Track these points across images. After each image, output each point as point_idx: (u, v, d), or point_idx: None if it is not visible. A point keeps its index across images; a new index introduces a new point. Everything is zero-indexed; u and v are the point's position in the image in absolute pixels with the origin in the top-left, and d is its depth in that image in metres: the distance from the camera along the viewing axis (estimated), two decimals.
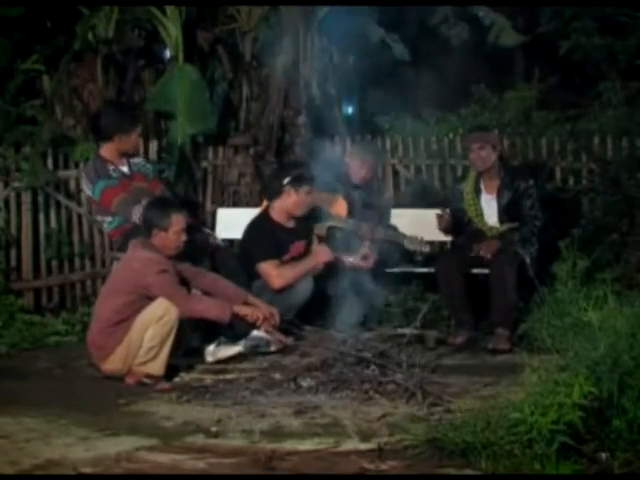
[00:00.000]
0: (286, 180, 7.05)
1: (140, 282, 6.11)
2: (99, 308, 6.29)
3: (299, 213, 7.13)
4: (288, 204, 7.08)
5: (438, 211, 7.39)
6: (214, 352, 6.53)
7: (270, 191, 7.20)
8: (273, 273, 6.91)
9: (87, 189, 7.13)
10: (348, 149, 8.14)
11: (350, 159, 7.85)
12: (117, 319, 6.10)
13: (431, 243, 8.05)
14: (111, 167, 7.05)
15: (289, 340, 6.64)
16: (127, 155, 7.20)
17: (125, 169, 7.11)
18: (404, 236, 7.61)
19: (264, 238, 7.02)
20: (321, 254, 7.07)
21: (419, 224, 7.89)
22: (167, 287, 6.12)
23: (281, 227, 7.11)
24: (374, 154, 8.13)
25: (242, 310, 6.32)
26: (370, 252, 7.30)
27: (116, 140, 7.08)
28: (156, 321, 6.03)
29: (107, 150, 7.13)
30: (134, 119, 7.27)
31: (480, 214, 7.35)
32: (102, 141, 7.19)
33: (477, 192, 7.38)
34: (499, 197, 7.31)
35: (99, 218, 7.23)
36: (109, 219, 7.02)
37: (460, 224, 7.47)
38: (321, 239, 7.46)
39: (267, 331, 6.45)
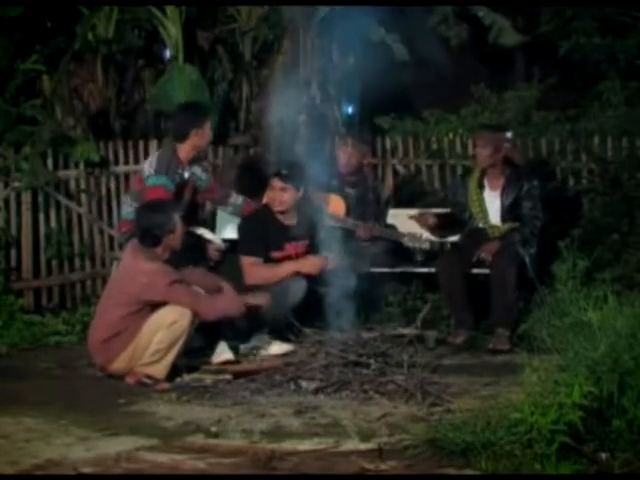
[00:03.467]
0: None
1: (149, 296, 6.07)
2: (101, 318, 6.22)
3: (281, 206, 7.04)
4: (276, 201, 7.08)
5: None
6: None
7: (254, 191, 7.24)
8: (248, 270, 6.92)
9: (146, 170, 6.93)
10: (342, 138, 8.13)
11: (338, 151, 7.87)
12: (121, 328, 6.07)
13: (431, 243, 8.06)
14: (180, 171, 6.93)
15: (288, 347, 6.68)
16: (193, 160, 7.10)
17: (186, 175, 7.00)
18: (403, 234, 7.61)
19: (255, 232, 7.02)
20: (306, 265, 6.98)
21: (417, 224, 7.89)
22: (183, 297, 6.10)
23: (280, 224, 7.09)
24: (359, 141, 8.12)
25: (255, 301, 6.47)
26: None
27: (192, 136, 6.93)
28: (167, 325, 6.01)
29: (183, 151, 6.97)
30: (205, 112, 7.19)
31: (484, 210, 7.35)
32: (178, 142, 7.00)
33: (481, 188, 7.39)
34: (503, 196, 7.31)
35: (125, 199, 7.13)
36: (131, 209, 6.90)
37: (458, 220, 7.49)
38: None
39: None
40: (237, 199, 7.40)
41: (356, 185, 7.85)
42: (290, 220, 7.12)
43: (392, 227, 7.88)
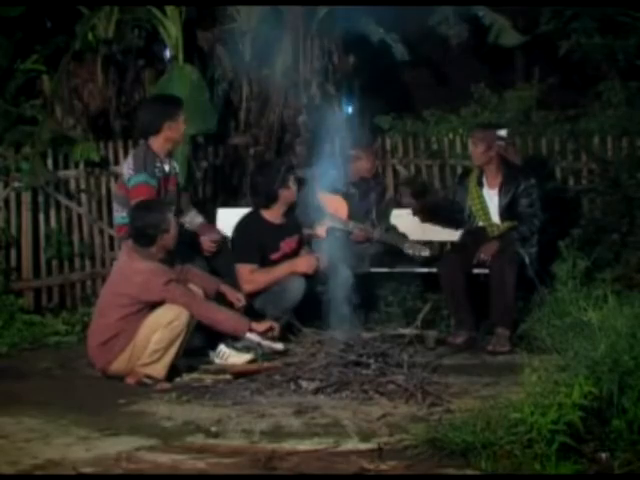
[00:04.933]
0: (276, 185, 7.06)
1: (146, 296, 6.07)
2: (99, 320, 6.20)
3: (294, 199, 7.18)
4: (286, 201, 7.12)
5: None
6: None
7: (266, 200, 7.15)
8: (246, 278, 6.95)
9: (126, 173, 6.87)
10: (352, 148, 8.07)
11: (361, 156, 7.82)
12: (119, 329, 6.08)
13: (431, 243, 8.06)
14: (158, 164, 6.85)
15: (280, 346, 6.62)
16: (169, 154, 7.02)
17: (167, 168, 6.92)
18: (404, 240, 7.58)
19: (249, 239, 7.05)
20: (300, 264, 7.03)
21: (418, 224, 7.89)
22: (180, 297, 6.09)
23: (271, 225, 7.12)
24: (370, 151, 8.16)
25: (260, 328, 6.36)
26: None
27: (165, 129, 6.84)
28: (165, 325, 6.01)
29: (158, 143, 6.88)
30: (178, 104, 7.07)
31: (484, 207, 7.36)
32: (151, 135, 6.90)
33: (480, 186, 7.40)
34: (500, 194, 7.32)
35: (115, 206, 7.05)
36: (123, 214, 6.83)
37: (454, 217, 7.49)
38: (319, 239, 7.48)
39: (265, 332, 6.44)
40: (194, 218, 7.17)
41: (360, 185, 7.84)
42: (280, 219, 7.15)
43: (394, 227, 7.88)
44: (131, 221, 6.36)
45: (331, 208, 7.65)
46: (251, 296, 6.88)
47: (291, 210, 7.19)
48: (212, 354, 6.55)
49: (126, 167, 6.95)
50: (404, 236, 7.81)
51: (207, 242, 6.99)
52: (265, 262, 7.04)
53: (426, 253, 7.45)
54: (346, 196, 7.73)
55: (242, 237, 7.12)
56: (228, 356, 6.47)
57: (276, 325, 6.46)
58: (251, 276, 6.95)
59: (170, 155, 7.04)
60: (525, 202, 7.26)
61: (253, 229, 7.10)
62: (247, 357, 6.45)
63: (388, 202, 8.14)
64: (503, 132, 7.60)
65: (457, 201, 7.52)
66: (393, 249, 7.68)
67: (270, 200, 7.10)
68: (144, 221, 6.18)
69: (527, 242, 7.18)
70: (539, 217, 7.28)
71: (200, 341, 6.53)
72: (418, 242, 7.55)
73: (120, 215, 6.91)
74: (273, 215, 7.14)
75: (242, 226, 7.21)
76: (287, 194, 7.10)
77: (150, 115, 7.02)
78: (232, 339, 6.55)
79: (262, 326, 6.39)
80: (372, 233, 7.59)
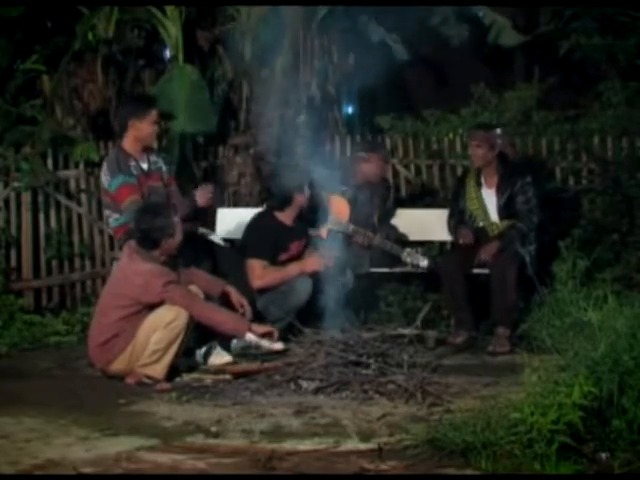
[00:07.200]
0: (292, 189, 7.07)
1: (146, 298, 6.07)
2: (100, 320, 6.20)
3: (307, 203, 7.22)
4: (299, 205, 7.16)
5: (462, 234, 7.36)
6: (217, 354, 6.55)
7: (281, 203, 7.16)
8: (258, 273, 6.94)
9: (105, 180, 6.88)
10: (361, 149, 8.00)
11: (369, 159, 7.77)
12: (119, 329, 6.08)
13: (431, 243, 8.05)
14: (133, 162, 6.83)
15: (279, 346, 6.57)
16: (147, 151, 6.98)
17: (145, 166, 6.90)
18: (403, 249, 7.50)
19: (263, 236, 7.06)
20: (310, 264, 7.05)
21: (419, 224, 7.89)
22: (179, 298, 6.08)
23: (283, 226, 7.14)
24: (385, 151, 8.16)
25: (259, 330, 6.32)
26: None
27: (131, 128, 6.84)
28: (164, 326, 6.01)
29: (128, 143, 6.88)
30: (146, 104, 7.01)
31: (482, 207, 7.35)
32: (122, 133, 6.93)
33: (478, 186, 7.40)
34: (498, 193, 7.32)
35: (107, 212, 7.05)
36: (116, 215, 6.84)
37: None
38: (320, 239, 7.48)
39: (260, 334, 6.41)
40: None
41: (365, 189, 7.79)
42: (291, 221, 7.16)
43: (394, 228, 7.86)
44: (137, 224, 6.34)
45: (333, 209, 7.63)
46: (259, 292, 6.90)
47: (301, 213, 7.20)
48: (198, 353, 6.53)
49: (103, 174, 6.94)
50: (404, 236, 7.81)
51: (204, 194, 6.96)
52: (274, 262, 7.05)
53: (424, 263, 7.35)
54: (350, 198, 7.68)
55: (256, 233, 7.12)
56: (209, 356, 6.48)
57: (276, 332, 6.40)
58: (263, 272, 6.94)
59: (149, 151, 6.99)
60: (521, 199, 7.26)
61: (267, 227, 7.11)
62: (227, 359, 6.46)
63: (390, 203, 8.08)
64: (498, 131, 7.64)
65: (459, 204, 7.50)
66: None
67: (285, 203, 7.12)
68: (150, 224, 6.16)
69: (526, 239, 7.18)
70: (536, 214, 7.27)
71: (195, 342, 6.51)
72: (417, 250, 7.49)
73: (113, 218, 6.89)
74: (285, 217, 7.14)
75: (257, 223, 7.22)
76: (301, 198, 7.11)
77: (120, 114, 7.09)
78: (227, 339, 6.56)
79: (262, 329, 6.36)
80: (372, 239, 7.56)
